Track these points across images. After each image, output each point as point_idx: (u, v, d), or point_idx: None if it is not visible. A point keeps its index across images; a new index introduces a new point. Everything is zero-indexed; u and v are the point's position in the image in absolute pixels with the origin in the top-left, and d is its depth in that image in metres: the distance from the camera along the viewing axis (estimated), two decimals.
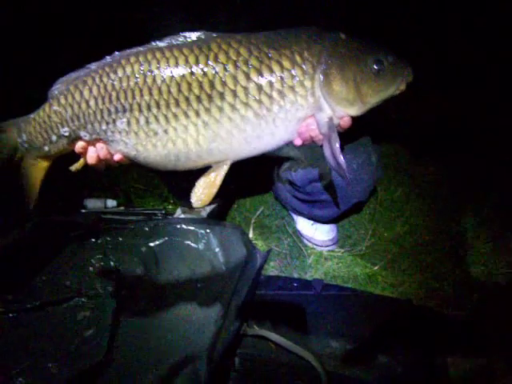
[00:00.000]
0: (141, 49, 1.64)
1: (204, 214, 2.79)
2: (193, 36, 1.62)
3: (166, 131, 1.59)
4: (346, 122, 1.61)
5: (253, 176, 2.54)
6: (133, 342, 2.03)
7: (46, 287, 2.20)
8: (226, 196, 2.90)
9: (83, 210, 2.79)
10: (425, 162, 3.44)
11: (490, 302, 2.47)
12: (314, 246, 2.80)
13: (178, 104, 1.56)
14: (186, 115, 1.56)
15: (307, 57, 1.54)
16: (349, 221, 2.93)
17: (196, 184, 1.65)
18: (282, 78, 1.53)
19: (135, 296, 2.16)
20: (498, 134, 3.44)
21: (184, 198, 2.77)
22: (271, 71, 1.53)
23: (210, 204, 1.70)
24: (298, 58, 1.54)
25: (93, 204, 2.79)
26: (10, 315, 2.09)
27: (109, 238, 2.37)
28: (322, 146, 1.62)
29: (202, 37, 1.62)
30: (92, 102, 1.65)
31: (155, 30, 2.08)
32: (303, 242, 2.84)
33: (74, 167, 1.80)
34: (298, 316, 2.35)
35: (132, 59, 1.61)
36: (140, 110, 1.59)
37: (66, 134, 1.72)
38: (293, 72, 1.53)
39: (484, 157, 3.34)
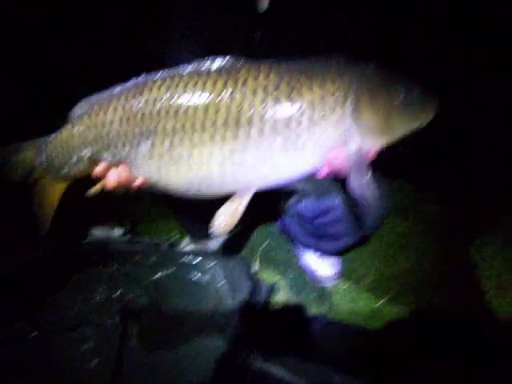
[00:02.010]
0: (167, 72, 1.63)
1: (210, 245, 2.80)
2: (221, 61, 1.61)
3: (190, 156, 1.56)
4: (373, 153, 1.61)
5: (259, 208, 2.57)
6: (137, 373, 2.02)
7: (52, 316, 2.22)
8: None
9: (90, 239, 2.79)
10: (429, 198, 3.46)
11: (491, 339, 2.46)
12: (319, 280, 2.80)
13: (204, 128, 1.54)
14: (212, 141, 1.54)
15: (338, 85, 1.53)
16: (353, 255, 2.92)
17: (217, 212, 1.62)
18: (312, 105, 1.51)
19: (140, 327, 2.17)
20: (499, 172, 3.49)
21: (192, 229, 2.79)
22: (302, 98, 1.51)
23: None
24: (329, 86, 1.53)
25: (99, 233, 2.79)
26: (16, 343, 2.10)
27: (115, 268, 2.39)
28: (345, 177, 1.59)
29: (231, 61, 1.60)
30: (116, 124, 1.62)
31: (170, 57, 2.11)
32: (308, 276, 2.83)
33: (92, 192, 1.75)
34: (303, 349, 2.34)
35: (158, 82, 1.60)
36: (165, 134, 1.57)
37: (88, 155, 1.69)
38: (324, 100, 1.52)
39: (487, 196, 3.38)
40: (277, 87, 1.52)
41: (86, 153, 1.69)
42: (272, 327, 2.41)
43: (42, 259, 2.36)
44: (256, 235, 3.07)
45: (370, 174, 1.55)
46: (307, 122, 1.51)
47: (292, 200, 2.46)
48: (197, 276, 2.32)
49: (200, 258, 2.39)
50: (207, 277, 2.31)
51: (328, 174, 1.64)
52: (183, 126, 1.55)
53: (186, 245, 2.86)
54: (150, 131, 1.59)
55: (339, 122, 1.53)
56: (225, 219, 1.62)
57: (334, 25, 2.06)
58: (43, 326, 2.17)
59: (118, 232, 2.85)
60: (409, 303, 2.69)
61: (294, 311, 2.59)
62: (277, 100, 1.51)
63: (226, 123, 1.52)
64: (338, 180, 1.72)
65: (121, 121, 1.62)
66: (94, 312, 2.21)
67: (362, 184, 1.55)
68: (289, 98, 1.51)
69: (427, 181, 3.57)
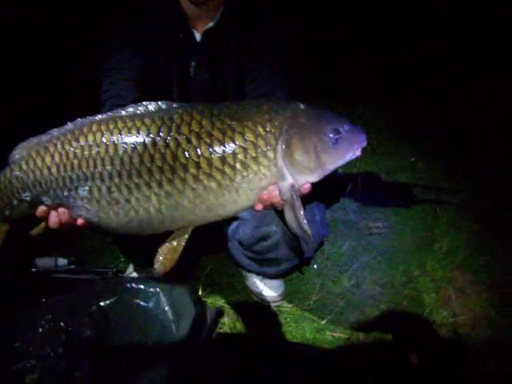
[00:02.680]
0: (103, 117, 1.66)
1: (155, 272, 2.80)
2: (154, 106, 1.65)
3: (128, 200, 1.60)
4: (306, 189, 1.66)
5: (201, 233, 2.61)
6: None
7: None
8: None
9: (33, 269, 2.76)
10: (371, 215, 3.54)
11: (433, 352, 2.52)
12: (264, 301, 2.83)
13: (140, 174, 1.58)
14: (149, 186, 1.58)
15: (269, 128, 1.59)
16: (297, 275, 2.97)
17: (159, 250, 1.67)
18: (245, 149, 1.57)
19: (85, 357, 2.15)
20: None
21: (135, 257, 2.79)
22: (234, 142, 1.57)
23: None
24: (260, 130, 1.59)
25: (43, 263, 2.75)
26: None
27: (59, 298, 2.35)
28: (282, 211, 1.67)
29: (164, 107, 1.65)
30: (54, 169, 1.65)
31: (106, 88, 2.15)
32: (253, 299, 2.87)
33: (35, 231, 1.80)
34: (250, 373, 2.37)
35: (94, 127, 1.63)
36: (102, 179, 1.60)
37: (28, 198, 1.71)
38: (256, 143, 1.57)
39: (433, 212, 3.49)
40: (209, 133, 1.58)
41: (26, 197, 1.72)
42: (220, 351, 2.44)
43: None
44: (199, 259, 3.08)
45: (301, 211, 1.62)
46: (240, 165, 1.57)
47: (232, 226, 2.53)
48: (141, 303, 2.32)
49: (144, 284, 2.38)
50: (152, 304, 2.30)
51: (263, 209, 1.70)
52: (119, 172, 1.59)
53: (131, 273, 2.85)
54: (86, 177, 1.62)
55: (271, 164, 1.60)
56: (166, 257, 1.67)
57: (262, 56, 2.15)
58: None
59: (62, 262, 2.82)
60: (353, 321, 2.73)
61: (240, 333, 2.62)
62: (210, 145, 1.57)
63: (161, 169, 1.57)
64: None
65: (58, 166, 1.64)
66: (38, 344, 2.19)
67: (299, 219, 1.63)
68: (221, 143, 1.57)
69: (371, 198, 3.66)
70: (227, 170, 1.57)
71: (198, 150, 1.57)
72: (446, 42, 5.40)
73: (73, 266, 2.81)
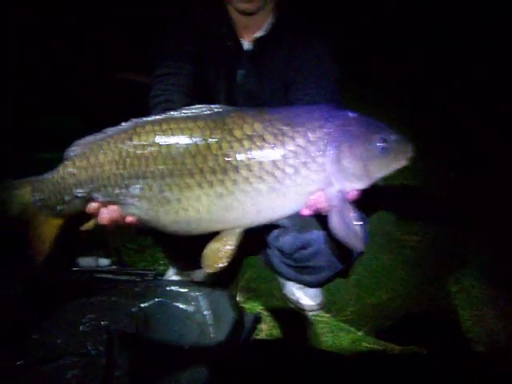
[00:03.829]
0: (157, 117, 1.69)
1: (194, 276, 2.84)
2: (208, 108, 1.68)
3: (178, 200, 1.63)
4: (353, 196, 1.67)
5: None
6: None
7: (37, 345, 2.22)
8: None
9: (76, 268, 2.81)
10: (411, 230, 3.54)
11: (469, 369, 2.50)
12: (302, 310, 2.84)
13: (192, 175, 1.60)
14: (200, 186, 1.61)
15: (320, 134, 1.62)
16: (335, 286, 2.97)
17: (206, 251, 1.68)
18: (295, 153, 1.59)
19: (125, 356, 2.18)
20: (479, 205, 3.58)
21: (177, 260, 2.83)
22: (285, 147, 1.59)
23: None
24: (311, 135, 1.61)
25: (85, 262, 2.81)
26: (1, 372, 2.10)
27: (100, 298, 2.40)
28: (324, 219, 1.68)
29: (217, 110, 1.68)
30: (107, 167, 1.68)
31: (155, 95, 2.19)
32: (291, 306, 2.87)
33: (85, 227, 1.83)
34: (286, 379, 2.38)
35: (148, 127, 1.66)
36: (154, 178, 1.63)
37: (80, 195, 1.75)
38: (306, 148, 1.60)
39: (469, 227, 3.46)
40: (261, 136, 1.60)
41: (79, 193, 1.75)
42: (255, 357, 2.45)
43: (29, 288, 2.38)
44: (239, 266, 3.11)
45: (351, 214, 1.63)
46: (290, 169, 1.60)
47: (273, 234, 2.54)
48: (182, 306, 2.35)
49: (185, 288, 2.41)
50: (192, 307, 2.34)
51: (309, 215, 1.71)
52: (171, 171, 1.62)
53: (171, 276, 2.90)
54: (139, 175, 1.65)
55: (320, 170, 1.62)
56: (215, 258, 1.67)
57: (314, 68, 2.17)
58: (29, 354, 2.17)
59: (104, 262, 2.87)
60: (388, 334, 2.72)
61: (277, 341, 2.63)
62: (261, 149, 1.60)
63: (213, 170, 1.60)
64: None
65: (111, 164, 1.68)
66: (79, 341, 2.22)
67: (344, 224, 1.63)
68: (273, 146, 1.60)
69: (409, 211, 3.65)
70: (277, 173, 1.59)
71: (250, 152, 1.60)
72: None
73: (114, 267, 2.85)
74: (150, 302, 2.38)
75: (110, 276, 2.74)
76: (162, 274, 2.94)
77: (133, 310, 2.35)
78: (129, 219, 1.74)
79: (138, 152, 1.65)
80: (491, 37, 5.00)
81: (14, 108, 4.12)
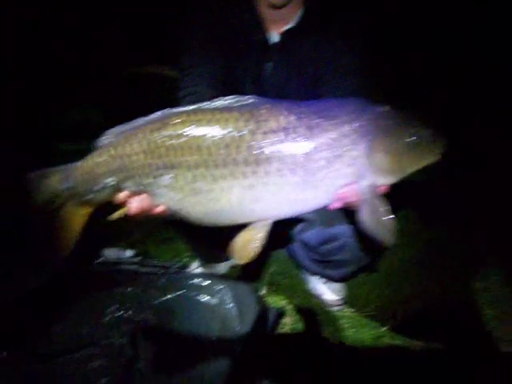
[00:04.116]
0: (191, 107, 1.69)
1: (219, 269, 2.84)
2: (242, 99, 1.67)
3: (210, 190, 1.63)
4: (383, 190, 1.67)
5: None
6: None
7: (62, 336, 2.24)
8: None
9: (100, 259, 2.83)
10: (434, 224, 3.50)
11: (492, 369, 2.48)
12: (325, 305, 2.84)
13: (225, 165, 1.60)
14: (233, 176, 1.60)
15: (355, 128, 1.60)
16: (358, 281, 2.96)
17: (237, 240, 1.69)
18: (329, 146, 1.58)
19: (148, 348, 2.19)
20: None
21: (202, 253, 2.83)
22: (319, 139, 1.58)
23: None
24: (345, 128, 1.60)
25: (110, 254, 2.83)
26: (27, 363, 2.12)
27: (124, 289, 2.40)
28: (351, 213, 1.68)
29: (252, 100, 1.67)
30: (141, 156, 1.68)
31: (184, 86, 2.19)
32: (314, 301, 2.87)
33: (114, 216, 1.81)
34: (309, 373, 2.37)
35: (183, 117, 1.65)
36: (188, 167, 1.63)
37: (110, 184, 1.75)
38: (340, 141, 1.59)
39: (493, 223, 3.42)
40: (295, 128, 1.59)
41: (110, 181, 1.75)
42: (279, 351, 2.45)
43: (54, 277, 2.40)
44: (263, 260, 3.10)
45: (382, 208, 1.62)
46: (323, 161, 1.59)
47: (298, 228, 2.52)
48: (205, 299, 2.35)
49: (209, 280, 2.41)
50: (216, 300, 2.33)
51: (339, 208, 1.70)
52: (205, 160, 1.61)
53: (195, 268, 2.90)
54: (172, 164, 1.65)
55: (353, 162, 1.60)
56: (245, 249, 1.68)
57: (343, 61, 2.15)
58: (53, 343, 2.20)
59: (128, 254, 2.88)
60: (411, 331, 2.70)
61: (300, 335, 2.63)
62: (295, 140, 1.58)
63: (246, 160, 1.59)
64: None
65: (145, 153, 1.67)
66: (104, 332, 2.24)
67: (375, 218, 1.62)
68: (306, 138, 1.59)
69: (433, 207, 3.62)
70: (310, 165, 1.58)
71: (283, 144, 1.59)
72: None
73: (138, 259, 2.86)
74: (174, 295, 2.38)
75: (134, 268, 2.75)
76: (186, 266, 2.95)
77: (156, 302, 2.35)
78: (158, 209, 1.73)
79: (172, 141, 1.64)
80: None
81: (39, 100, 4.15)
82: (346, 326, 2.73)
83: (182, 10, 2.34)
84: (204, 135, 1.62)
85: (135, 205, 1.73)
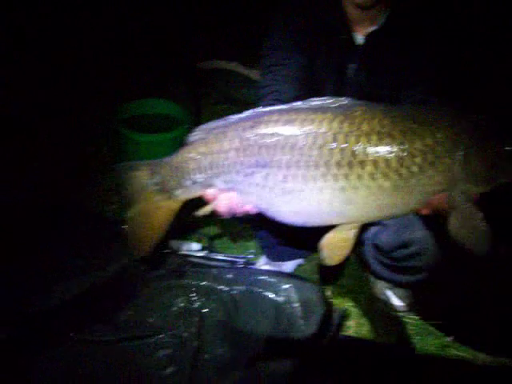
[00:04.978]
0: (283, 107, 1.70)
1: (284, 267, 2.84)
2: (336, 100, 1.67)
3: (301, 190, 1.62)
4: (475, 198, 1.64)
5: None
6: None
7: (131, 322, 2.30)
8: None
9: (167, 251, 2.87)
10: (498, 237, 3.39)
11: None
12: (390, 310, 2.80)
13: (317, 166, 1.59)
14: (324, 178, 1.59)
15: (449, 135, 1.58)
16: (426, 287, 2.87)
17: (326, 241, 1.69)
18: (423, 152, 1.56)
19: (215, 339, 2.23)
20: None
21: (270, 250, 2.84)
22: (413, 145, 1.57)
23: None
24: (440, 135, 1.58)
25: (178, 246, 2.85)
26: (96, 346, 2.19)
27: (193, 281, 2.44)
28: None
29: (346, 102, 1.66)
30: (231, 153, 1.69)
31: (265, 85, 2.20)
32: (380, 304, 2.84)
33: (202, 212, 1.84)
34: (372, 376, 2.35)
35: (275, 116, 1.66)
36: (280, 167, 1.63)
37: (199, 180, 1.77)
38: (434, 148, 1.57)
39: None
40: (390, 132, 1.57)
41: (200, 178, 1.77)
42: (342, 353, 2.43)
43: (127, 264, 2.45)
44: None
45: (477, 217, 1.60)
46: (416, 168, 1.57)
47: (370, 231, 2.49)
48: (272, 296, 2.35)
49: (276, 278, 2.42)
50: (282, 298, 2.33)
51: (428, 214, 1.70)
52: (298, 161, 1.61)
53: (262, 265, 2.92)
54: (264, 163, 1.65)
55: (446, 170, 1.58)
56: (336, 250, 1.70)
57: (424, 64, 2.12)
58: (122, 329, 2.25)
59: (195, 247, 2.91)
60: (480, 341, 2.63)
61: (364, 339, 2.61)
62: (389, 145, 1.57)
63: (338, 163, 1.58)
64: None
65: (236, 150, 1.69)
66: (171, 322, 2.28)
67: (467, 227, 1.60)
68: (401, 144, 1.57)
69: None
70: (404, 171, 1.56)
71: (377, 148, 1.57)
72: None
73: (204, 252, 2.88)
74: (241, 289, 2.40)
75: (201, 261, 2.77)
76: (252, 262, 2.95)
77: (224, 295, 2.38)
78: (247, 207, 1.75)
79: (264, 140, 1.65)
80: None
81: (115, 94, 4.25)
82: (410, 332, 2.69)
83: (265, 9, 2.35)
84: (297, 135, 1.62)
85: (224, 202, 1.75)
